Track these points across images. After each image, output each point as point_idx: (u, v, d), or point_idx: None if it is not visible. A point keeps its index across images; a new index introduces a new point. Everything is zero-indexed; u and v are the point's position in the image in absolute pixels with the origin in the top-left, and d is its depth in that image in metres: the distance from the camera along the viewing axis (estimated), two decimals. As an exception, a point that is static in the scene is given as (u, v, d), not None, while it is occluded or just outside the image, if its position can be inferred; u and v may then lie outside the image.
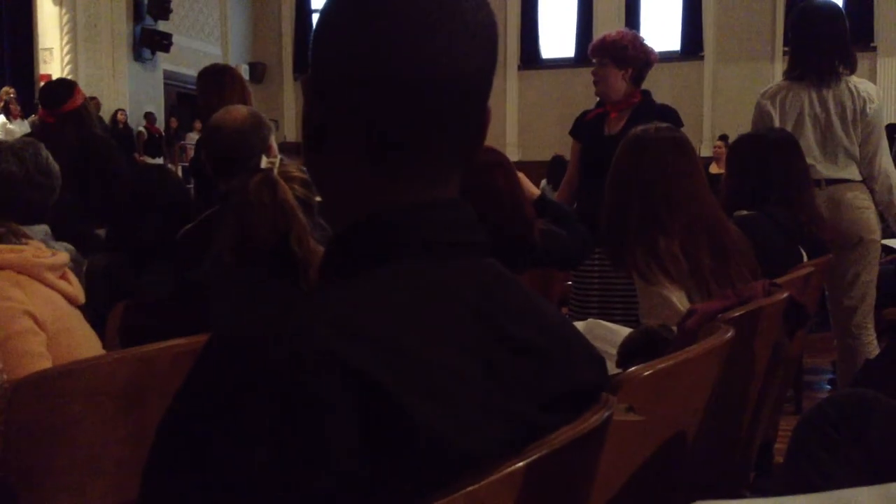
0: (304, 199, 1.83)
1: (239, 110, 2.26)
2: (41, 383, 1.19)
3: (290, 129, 13.97)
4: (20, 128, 9.46)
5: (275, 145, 2.30)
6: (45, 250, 1.57)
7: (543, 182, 8.83)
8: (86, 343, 1.53)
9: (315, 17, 14.70)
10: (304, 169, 1.98)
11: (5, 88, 9.99)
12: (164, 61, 12.72)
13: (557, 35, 13.95)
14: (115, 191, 3.32)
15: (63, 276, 1.57)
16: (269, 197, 1.76)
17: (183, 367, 1.29)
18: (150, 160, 11.04)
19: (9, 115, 9.75)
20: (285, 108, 14.59)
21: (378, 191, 0.69)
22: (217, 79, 3.26)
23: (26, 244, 1.56)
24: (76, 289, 1.58)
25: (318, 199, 2.09)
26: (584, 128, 3.21)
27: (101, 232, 2.87)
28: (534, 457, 0.62)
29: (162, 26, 12.34)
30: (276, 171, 1.80)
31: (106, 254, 2.43)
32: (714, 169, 8.88)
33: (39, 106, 3.68)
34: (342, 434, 0.55)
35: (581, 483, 0.76)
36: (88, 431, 1.21)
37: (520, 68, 13.73)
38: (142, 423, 1.27)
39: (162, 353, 1.32)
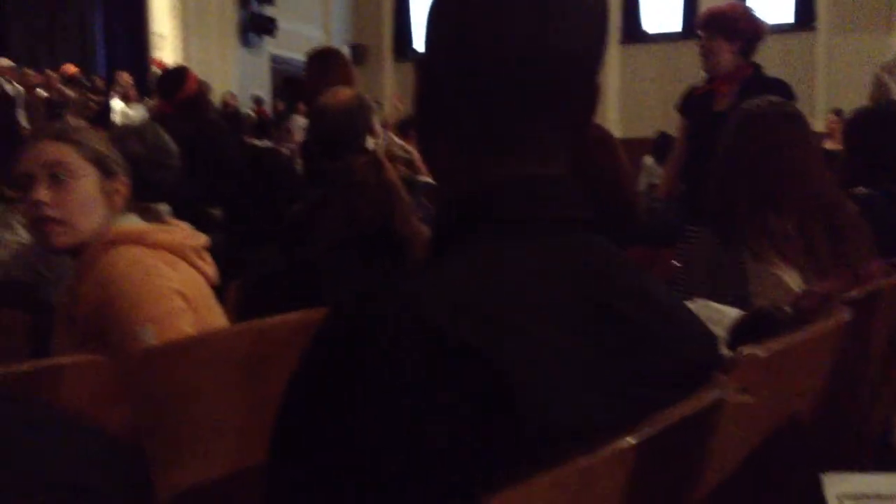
0: (407, 178, 1.86)
1: (343, 92, 2.31)
2: (170, 352, 1.26)
3: (391, 110, 14.11)
4: (138, 112, 9.91)
5: (378, 126, 2.35)
6: (192, 232, 1.62)
7: (646, 159, 8.64)
8: (219, 322, 1.59)
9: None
10: (408, 149, 2.01)
11: (124, 76, 10.46)
12: (270, 45, 13.07)
13: (662, 8, 13.55)
14: (228, 173, 3.46)
15: (203, 258, 1.62)
16: (373, 177, 1.80)
17: (298, 339, 1.34)
18: (257, 142, 11.36)
19: (127, 100, 10.21)
20: (386, 89, 14.75)
21: (486, 169, 0.70)
22: (323, 62, 3.33)
23: (171, 224, 1.62)
24: (213, 270, 1.63)
25: (421, 178, 2.12)
26: (692, 104, 3.13)
27: (215, 212, 2.99)
28: (646, 434, 0.61)
29: (268, 11, 12.67)
30: (380, 151, 1.83)
31: (220, 233, 2.53)
32: (829, 145, 8.47)
33: (157, 95, 3.85)
34: (447, 408, 0.56)
35: (694, 463, 0.75)
36: (212, 399, 1.28)
37: (621, 42, 13.42)
38: (260, 392, 1.33)
39: (278, 326, 1.37)
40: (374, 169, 1.82)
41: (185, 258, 1.56)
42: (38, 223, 1.49)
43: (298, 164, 4.50)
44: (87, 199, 1.50)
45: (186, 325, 1.46)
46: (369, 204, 1.77)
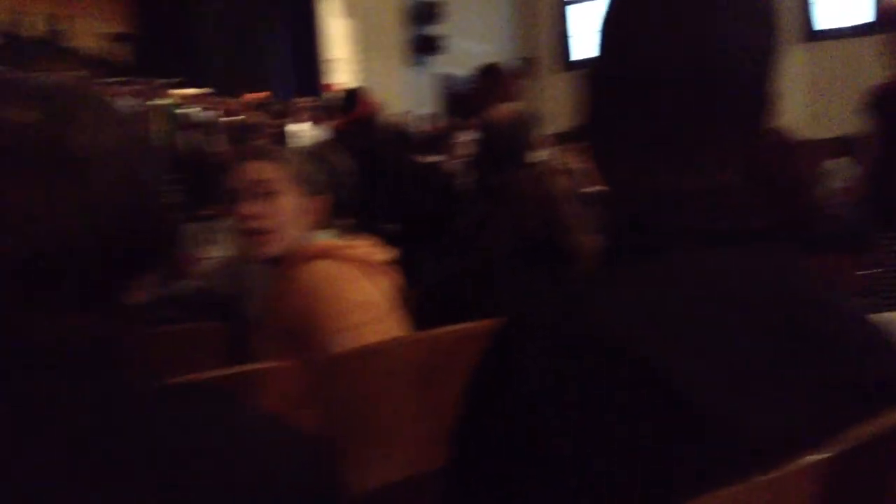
0: (570, 190, 1.86)
1: (509, 107, 2.35)
2: (354, 360, 1.33)
3: (555, 122, 14.07)
4: (313, 132, 10.46)
5: (542, 139, 2.36)
6: (379, 246, 1.71)
7: (831, 162, 8.10)
8: (401, 333, 1.65)
9: (571, 10, 14.70)
10: (569, 161, 2.01)
11: (300, 97, 11.07)
12: (437, 63, 13.42)
13: (845, 3, 12.69)
14: (398, 189, 3.59)
15: (388, 271, 1.71)
16: (537, 190, 1.81)
17: (469, 348, 1.38)
18: (425, 158, 11.70)
19: (304, 121, 10.81)
20: (549, 102, 14.74)
21: (659, 179, 0.69)
22: (488, 77, 3.39)
23: (358, 240, 1.71)
24: (397, 283, 1.72)
25: (584, 190, 2.11)
26: (883, 102, 2.92)
27: (389, 226, 3.11)
28: (837, 449, 0.59)
29: (434, 30, 13.04)
30: (543, 164, 1.85)
31: (394, 247, 2.63)
32: None
33: (334, 116, 4.07)
34: (625, 422, 0.56)
35: (884, 482, 0.71)
36: (390, 405, 1.34)
37: (801, 41, 12.69)
38: (434, 398, 1.38)
39: (449, 336, 1.42)
40: (537, 181, 1.83)
41: (374, 270, 1.66)
42: (247, 234, 1.63)
43: (463, 179, 4.61)
44: (290, 214, 1.63)
45: (377, 335, 1.53)
46: (533, 216, 1.79)
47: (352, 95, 3.93)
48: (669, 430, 0.56)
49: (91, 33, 13.12)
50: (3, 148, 0.54)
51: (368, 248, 1.68)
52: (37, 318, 0.53)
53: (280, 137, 10.32)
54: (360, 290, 1.58)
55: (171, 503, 0.53)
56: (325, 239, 1.66)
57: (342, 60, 12.47)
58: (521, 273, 1.70)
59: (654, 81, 0.68)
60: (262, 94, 10.93)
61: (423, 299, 1.96)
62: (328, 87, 11.71)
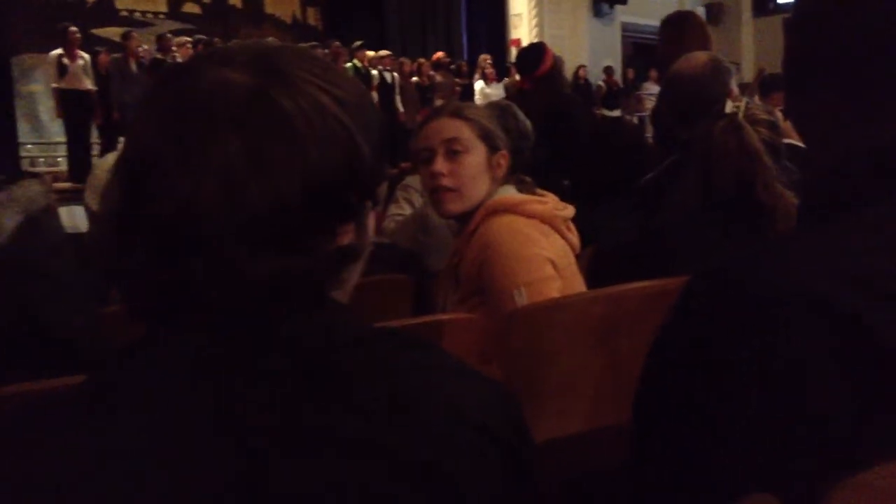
0: (770, 142, 1.75)
1: (698, 57, 2.23)
2: (535, 314, 1.35)
3: (749, 70, 13.28)
4: (495, 91, 10.52)
5: (735, 88, 2.24)
6: (560, 203, 1.71)
7: None
8: (580, 289, 1.66)
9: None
10: (770, 111, 1.89)
11: (483, 56, 11.17)
12: (622, 13, 13.01)
13: None
14: (580, 145, 3.55)
15: (569, 227, 1.70)
16: (734, 143, 1.72)
17: (651, 306, 1.36)
18: (608, 112, 11.47)
19: (486, 80, 10.87)
20: (744, 50, 13.92)
21: (866, 131, 0.66)
22: (677, 26, 3.25)
23: (543, 195, 1.71)
24: (577, 239, 1.72)
25: (786, 141, 1.98)
26: None
27: (567, 182, 3.09)
28: None
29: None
30: (740, 115, 1.75)
31: (573, 203, 2.61)
32: None
33: (515, 72, 4.07)
34: (828, 382, 0.53)
35: None
36: (569, 360, 1.35)
37: None
38: (613, 356, 1.37)
39: (632, 293, 1.40)
40: (733, 134, 1.74)
41: (554, 227, 1.65)
42: (435, 192, 1.67)
43: (648, 133, 4.47)
44: (476, 171, 1.65)
45: (554, 292, 1.54)
46: (728, 171, 1.70)
47: (534, 50, 3.90)
48: (876, 390, 0.53)
49: (285, 0, 13.83)
50: (220, 107, 0.59)
51: (551, 205, 1.68)
52: (256, 260, 0.58)
53: (465, 95, 10.47)
54: (540, 245, 1.58)
55: (386, 441, 0.56)
56: (508, 194, 1.67)
57: (524, 15, 12.38)
58: (711, 231, 1.63)
59: (860, 29, 0.65)
60: (442, 55, 11.10)
61: (604, 256, 1.94)
62: (514, 42, 11.72)
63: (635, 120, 10.35)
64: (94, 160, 8.57)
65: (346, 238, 0.64)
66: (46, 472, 0.54)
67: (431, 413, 0.58)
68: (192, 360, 0.58)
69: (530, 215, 1.62)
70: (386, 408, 0.57)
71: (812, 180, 0.73)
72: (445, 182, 1.64)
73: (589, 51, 12.55)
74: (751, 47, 13.83)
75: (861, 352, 0.54)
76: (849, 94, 0.66)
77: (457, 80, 10.95)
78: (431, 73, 10.78)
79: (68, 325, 1.24)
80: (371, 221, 0.69)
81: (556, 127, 3.43)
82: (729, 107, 1.84)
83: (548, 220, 1.64)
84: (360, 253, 0.67)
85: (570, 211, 1.71)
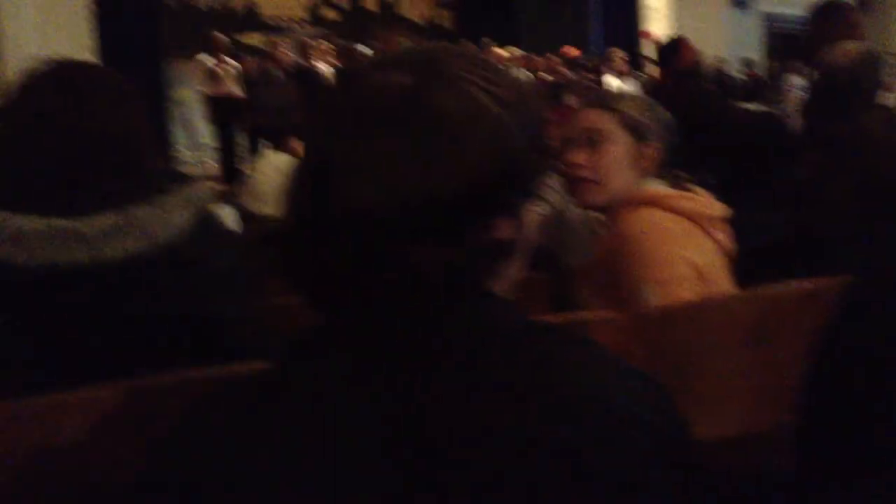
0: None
1: (851, 47, 2.12)
2: (685, 313, 1.33)
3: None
4: (630, 87, 10.30)
5: (889, 80, 2.11)
6: (713, 202, 1.63)
7: None
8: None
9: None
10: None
11: (614, 50, 10.95)
12: (763, 3, 12.46)
13: None
14: (721, 139, 3.43)
15: (720, 227, 1.63)
16: (890, 136, 1.63)
17: (807, 307, 1.31)
18: (749, 106, 11.01)
19: (621, 76, 10.66)
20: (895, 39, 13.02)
21: None
22: (827, 16, 3.09)
23: (695, 192, 1.64)
24: (729, 240, 1.64)
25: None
26: None
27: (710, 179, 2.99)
28: None
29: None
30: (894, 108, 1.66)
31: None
32: None
33: (654, 67, 3.99)
34: None
35: None
36: (719, 361, 1.32)
37: None
38: (767, 357, 1.33)
39: (787, 294, 1.35)
40: (890, 126, 1.65)
41: (702, 227, 1.58)
42: (575, 182, 1.65)
43: (794, 127, 4.27)
44: (618, 163, 1.61)
45: (688, 294, 1.47)
46: (889, 165, 1.61)
47: (673, 45, 3.80)
48: None
49: (420, 3, 14.08)
50: (383, 107, 0.63)
51: (703, 201, 1.61)
52: (415, 251, 0.61)
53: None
54: (680, 244, 1.52)
55: (551, 434, 0.57)
56: (654, 188, 1.61)
57: (659, 8, 12.05)
58: (870, 228, 1.55)
59: None
60: (574, 51, 10.96)
61: (752, 256, 1.87)
62: (646, 34, 11.44)
63: (779, 113, 9.89)
64: (250, 165, 9.02)
65: (504, 232, 0.66)
66: (222, 459, 0.59)
67: (594, 407, 0.59)
68: (362, 352, 0.62)
69: (675, 210, 1.56)
70: (551, 401, 0.59)
71: None
72: (584, 173, 1.61)
73: (728, 43, 12.09)
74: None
75: None
76: None
77: (588, 75, 10.80)
78: (561, 69, 10.68)
79: (234, 318, 1.32)
80: (530, 217, 0.70)
81: (696, 122, 3.34)
82: (885, 99, 1.74)
83: (695, 218, 1.58)
84: (516, 247, 0.68)
85: (722, 210, 1.63)
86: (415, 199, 0.60)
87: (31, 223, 1.17)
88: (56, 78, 1.27)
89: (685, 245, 1.53)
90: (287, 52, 9.27)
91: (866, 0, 13.13)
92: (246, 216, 2.25)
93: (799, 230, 1.91)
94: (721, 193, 2.61)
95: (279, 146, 8.27)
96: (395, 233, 0.61)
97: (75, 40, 7.21)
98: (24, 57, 6.75)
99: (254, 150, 8.87)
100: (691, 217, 1.57)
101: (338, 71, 8.88)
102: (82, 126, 1.24)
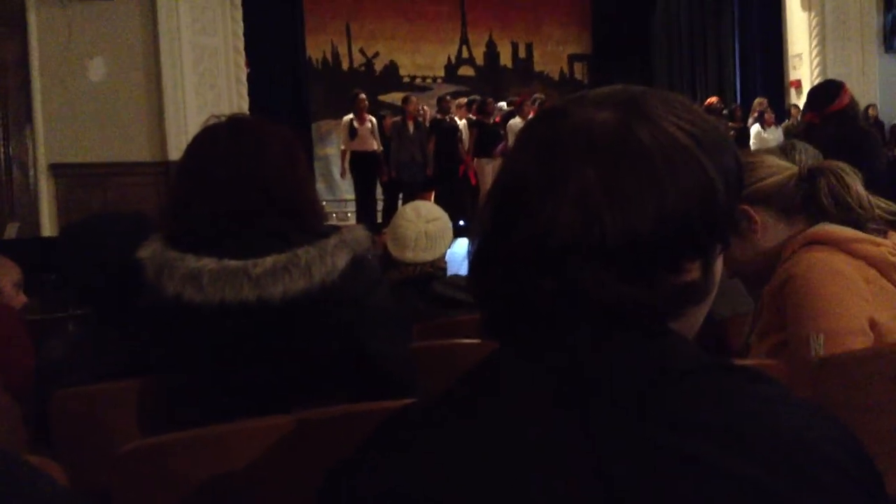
0: None
1: None
2: (848, 364, 1.25)
3: None
4: (773, 135, 9.95)
5: None
6: None
7: None
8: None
9: None
10: None
11: (758, 99, 10.63)
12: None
13: None
14: (877, 181, 3.26)
15: None
16: None
17: None
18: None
19: (763, 123, 10.32)
20: None
21: None
22: None
23: (885, 239, 1.47)
24: None
25: None
26: None
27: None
28: None
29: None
30: None
31: None
32: None
33: (806, 108, 3.85)
34: None
35: None
36: (886, 417, 1.23)
37: None
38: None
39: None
40: None
41: (887, 275, 1.43)
42: None
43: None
44: (763, 228, 1.49)
45: (858, 346, 1.35)
46: None
47: (830, 86, 3.66)
48: None
49: (554, 57, 14.22)
50: (583, 140, 0.64)
51: (888, 248, 1.45)
52: (602, 284, 0.61)
53: (739, 141, 10.03)
54: (858, 292, 1.39)
55: (737, 468, 0.56)
56: (832, 227, 1.45)
57: (804, 55, 11.63)
58: None
59: None
60: (714, 99, 10.72)
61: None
62: (794, 83, 11.05)
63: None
64: (391, 214, 9.28)
65: (692, 275, 0.65)
66: (411, 485, 0.59)
67: (781, 443, 0.57)
68: (540, 384, 0.62)
69: (856, 254, 1.42)
70: (735, 435, 0.57)
71: None
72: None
73: (880, 89, 11.47)
74: None
75: None
76: None
77: (731, 124, 10.52)
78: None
79: (388, 355, 1.37)
80: (719, 263, 0.69)
81: (851, 158, 3.17)
82: None
83: (878, 265, 1.42)
84: (704, 292, 0.67)
85: None
86: (613, 231, 0.61)
87: (205, 263, 1.26)
88: (231, 128, 1.38)
89: (864, 294, 1.40)
90: (423, 108, 9.56)
91: None
92: (388, 262, 2.32)
93: None
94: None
95: (415, 196, 8.51)
96: (582, 262, 0.61)
97: (230, 102, 7.71)
98: (184, 119, 7.33)
99: (390, 203, 9.14)
100: (875, 264, 1.43)
101: (440, 124, 9.20)
102: (255, 171, 1.33)
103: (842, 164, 1.55)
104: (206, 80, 7.74)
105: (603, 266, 0.61)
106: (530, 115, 8.81)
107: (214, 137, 1.38)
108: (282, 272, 1.26)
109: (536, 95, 10.32)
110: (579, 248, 0.61)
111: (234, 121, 1.41)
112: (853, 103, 3.49)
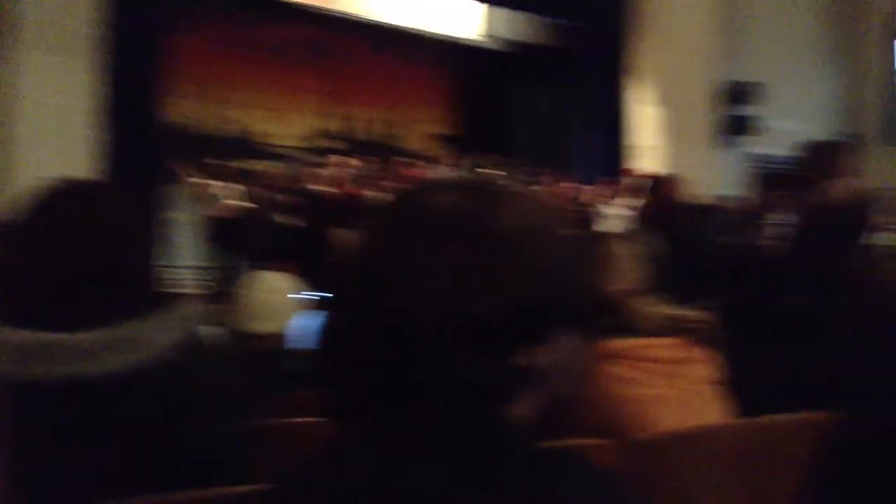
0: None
1: (845, 185, 2.19)
2: (676, 441, 1.30)
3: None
4: (622, 215, 10.51)
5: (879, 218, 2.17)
6: (672, 345, 1.60)
7: None
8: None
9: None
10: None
11: (599, 185, 11.24)
12: (749, 144, 12.92)
13: None
14: (707, 272, 3.51)
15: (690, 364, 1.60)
16: (883, 274, 1.67)
17: (801, 439, 1.30)
18: (731, 239, 11.19)
19: (614, 207, 10.89)
20: (875, 176, 13.49)
21: None
22: (821, 154, 3.20)
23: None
24: (703, 374, 1.61)
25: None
26: None
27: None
28: None
29: (746, 111, 12.60)
30: (883, 248, 1.70)
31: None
32: None
33: (642, 199, 4.13)
34: None
35: None
36: (713, 489, 1.29)
37: None
38: (757, 489, 1.30)
39: (780, 425, 1.34)
40: (884, 265, 1.68)
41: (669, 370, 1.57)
42: None
43: (778, 261, 4.36)
44: None
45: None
46: (877, 304, 1.64)
47: (659, 180, 3.95)
48: None
49: (420, 135, 14.56)
50: (443, 225, 0.67)
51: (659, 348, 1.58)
52: (451, 365, 0.63)
53: (582, 221, 10.52)
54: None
55: None
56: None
57: (647, 147, 12.49)
58: (871, 366, 1.54)
59: None
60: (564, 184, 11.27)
61: (749, 385, 1.86)
62: (628, 172, 11.77)
63: (765, 247, 10.07)
64: (243, 284, 9.04)
65: (539, 360, 0.68)
66: None
67: None
68: (387, 468, 0.62)
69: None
70: None
71: None
72: None
73: (715, 180, 12.45)
74: (882, 174, 13.38)
75: None
76: None
77: (576, 206, 11.07)
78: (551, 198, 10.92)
79: (220, 436, 1.30)
80: (567, 350, 0.71)
81: (683, 253, 3.41)
82: (876, 237, 1.79)
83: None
84: (546, 376, 0.69)
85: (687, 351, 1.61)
86: (466, 312, 0.63)
87: (22, 337, 1.16)
88: (68, 191, 1.31)
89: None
90: (281, 176, 9.47)
91: (853, 141, 13.70)
92: (238, 335, 2.25)
93: (799, 362, 1.91)
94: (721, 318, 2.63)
95: (270, 266, 8.34)
96: (441, 343, 0.63)
97: (80, 162, 7.39)
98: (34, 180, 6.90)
99: (246, 271, 8.92)
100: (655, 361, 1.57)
101: (306, 194, 9.18)
102: (89, 238, 1.26)
103: None
104: (55, 141, 7.39)
105: (453, 346, 0.63)
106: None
107: (49, 200, 1.30)
108: (107, 348, 1.18)
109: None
110: (434, 329, 0.63)
111: (71, 183, 1.34)
112: (681, 195, 3.77)
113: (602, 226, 10.09)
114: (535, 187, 10.63)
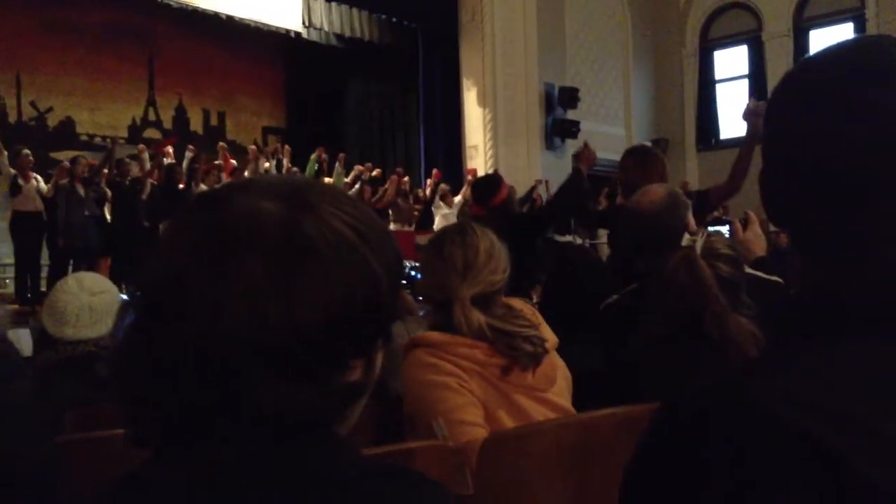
0: (728, 276, 1.77)
1: (656, 191, 2.29)
2: (502, 443, 1.33)
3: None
4: (453, 215, 10.71)
5: (692, 221, 2.29)
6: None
7: None
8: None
9: (718, 90, 14.61)
10: (731, 245, 1.93)
11: (444, 186, 11.43)
12: (572, 146, 13.54)
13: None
14: (535, 269, 3.62)
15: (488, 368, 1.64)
16: (686, 276, 1.74)
17: (622, 434, 1.35)
18: (559, 237, 11.70)
19: (445, 206, 11.10)
20: (689, 179, 14.55)
21: (835, 262, 0.66)
22: (640, 157, 3.38)
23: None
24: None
25: (748, 272, 2.03)
26: None
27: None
28: None
29: (570, 115, 13.21)
30: (698, 249, 1.78)
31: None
32: None
33: (472, 200, 4.21)
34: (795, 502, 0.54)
35: None
36: (540, 490, 1.32)
37: None
38: (585, 483, 1.35)
39: (603, 421, 1.39)
40: (685, 268, 1.76)
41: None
42: None
43: (603, 261, 4.59)
44: None
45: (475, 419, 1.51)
46: (680, 302, 1.73)
47: (491, 181, 4.05)
48: None
49: (247, 127, 14.16)
50: (249, 233, 0.60)
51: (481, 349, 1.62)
52: (267, 386, 0.58)
53: (423, 220, 10.64)
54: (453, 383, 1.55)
55: None
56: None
57: (480, 146, 12.81)
58: (676, 359, 1.64)
59: (826, 168, 0.64)
60: (406, 180, 11.35)
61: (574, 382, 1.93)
62: (470, 171, 12.04)
63: (587, 244, 10.60)
64: (55, 283, 8.42)
65: (356, 374, 0.64)
66: None
67: None
68: (200, 492, 0.57)
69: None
70: None
71: (779, 311, 0.73)
72: None
73: (543, 178, 12.96)
74: (695, 179, 14.44)
75: (833, 478, 0.54)
76: (821, 229, 0.67)
77: (415, 205, 11.18)
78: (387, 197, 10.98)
79: (21, 454, 1.19)
80: (379, 359, 0.68)
81: (511, 252, 3.49)
82: (685, 240, 1.88)
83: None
84: (367, 390, 0.66)
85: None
86: (278, 327, 0.58)
87: None
88: None
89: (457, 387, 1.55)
90: (99, 167, 8.90)
91: (661, 146, 14.66)
92: (44, 339, 2.07)
93: (615, 359, 2.00)
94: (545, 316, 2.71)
95: (90, 264, 7.79)
96: (253, 363, 0.57)
97: None
98: None
99: (56, 270, 8.33)
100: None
101: (119, 187, 8.77)
102: None
103: None
104: None
105: (268, 366, 0.58)
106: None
107: None
108: None
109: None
110: (243, 347, 0.57)
111: None
112: (511, 197, 3.87)
113: (437, 223, 10.28)
114: (361, 186, 10.68)
